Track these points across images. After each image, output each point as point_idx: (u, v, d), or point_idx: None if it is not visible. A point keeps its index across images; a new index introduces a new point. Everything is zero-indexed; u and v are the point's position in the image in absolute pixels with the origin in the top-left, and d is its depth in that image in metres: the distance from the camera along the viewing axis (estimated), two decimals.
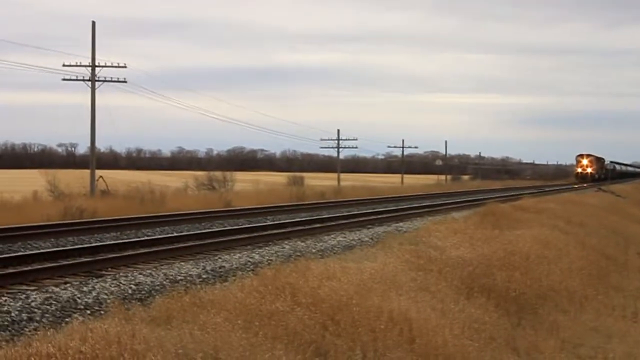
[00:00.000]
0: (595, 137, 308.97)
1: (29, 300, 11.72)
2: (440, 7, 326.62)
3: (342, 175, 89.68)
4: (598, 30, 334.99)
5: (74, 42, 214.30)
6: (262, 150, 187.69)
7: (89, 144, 49.88)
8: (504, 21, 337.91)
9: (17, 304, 11.45)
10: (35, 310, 11.30)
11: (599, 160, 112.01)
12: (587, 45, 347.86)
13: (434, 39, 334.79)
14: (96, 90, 47.29)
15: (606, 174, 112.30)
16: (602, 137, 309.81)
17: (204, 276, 14.85)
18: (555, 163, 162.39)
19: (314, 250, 19.10)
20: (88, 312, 11.55)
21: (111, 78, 48.09)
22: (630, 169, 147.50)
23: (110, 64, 47.83)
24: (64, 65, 47.71)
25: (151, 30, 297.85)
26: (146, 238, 20.46)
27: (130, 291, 13.09)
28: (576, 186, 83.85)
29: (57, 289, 12.64)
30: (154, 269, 15.10)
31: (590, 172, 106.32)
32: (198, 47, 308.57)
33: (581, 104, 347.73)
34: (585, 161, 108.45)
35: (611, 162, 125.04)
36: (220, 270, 15.64)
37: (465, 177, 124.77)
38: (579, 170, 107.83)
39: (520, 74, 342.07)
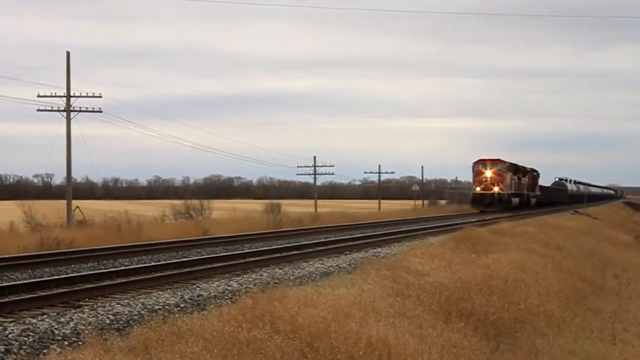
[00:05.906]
0: (574, 160, 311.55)
1: (6, 332, 11.65)
2: (420, 33, 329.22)
3: (320, 202, 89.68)
4: (577, 53, 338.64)
5: (49, 72, 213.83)
6: (239, 177, 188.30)
7: (65, 174, 49.74)
8: (483, 45, 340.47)
9: None
10: (13, 342, 11.23)
11: (520, 174, 71.14)
12: (566, 68, 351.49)
13: (413, 65, 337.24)
14: (72, 120, 47.12)
15: (542, 197, 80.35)
16: (581, 160, 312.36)
17: (182, 305, 14.81)
18: None
19: (291, 278, 19.10)
20: (66, 343, 11.49)
21: (86, 108, 47.83)
22: (593, 189, 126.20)
23: (85, 94, 47.63)
24: (38, 96, 47.43)
25: (126, 58, 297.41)
26: (123, 268, 20.37)
27: (108, 321, 13.03)
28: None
29: (34, 321, 12.58)
30: (132, 299, 15.06)
31: (498, 192, 65.06)
32: (173, 74, 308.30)
33: (560, 126, 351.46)
34: (488, 172, 65.65)
35: (559, 179, 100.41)
36: (198, 299, 15.61)
37: (442, 201, 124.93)
38: (478, 189, 65.96)
39: (499, 98, 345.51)
